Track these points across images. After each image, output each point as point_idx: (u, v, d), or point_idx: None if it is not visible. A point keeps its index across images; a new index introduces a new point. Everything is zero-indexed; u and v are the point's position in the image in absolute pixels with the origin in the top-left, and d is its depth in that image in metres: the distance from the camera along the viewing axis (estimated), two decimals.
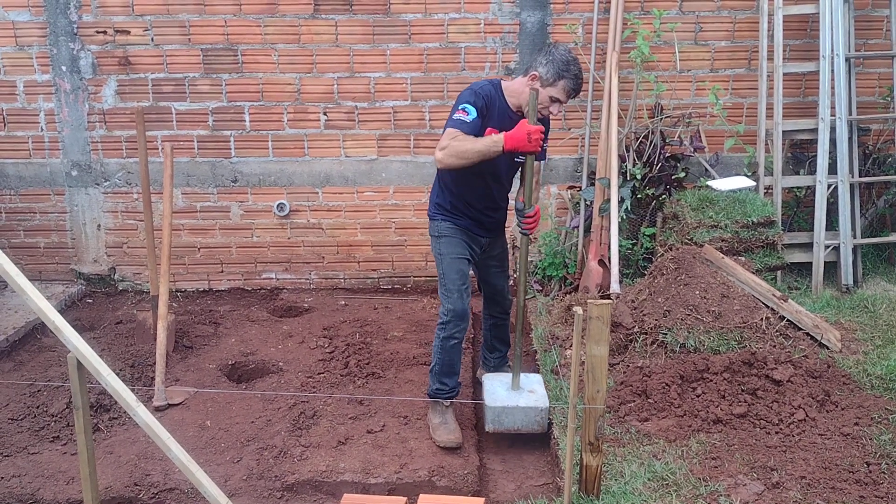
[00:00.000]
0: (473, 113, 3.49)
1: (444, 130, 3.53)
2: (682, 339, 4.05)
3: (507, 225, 4.06)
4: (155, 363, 4.26)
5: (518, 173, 3.79)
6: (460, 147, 3.42)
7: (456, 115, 3.50)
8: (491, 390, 3.80)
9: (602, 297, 4.76)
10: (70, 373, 2.51)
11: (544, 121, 3.73)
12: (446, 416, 3.78)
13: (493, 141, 3.41)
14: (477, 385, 4.38)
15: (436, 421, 3.79)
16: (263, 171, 5.69)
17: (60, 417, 3.92)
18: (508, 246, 4.22)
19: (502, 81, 3.72)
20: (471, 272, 3.90)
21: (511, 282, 4.34)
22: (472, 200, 3.76)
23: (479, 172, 3.62)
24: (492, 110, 3.57)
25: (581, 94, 5.42)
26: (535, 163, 3.61)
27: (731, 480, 3.14)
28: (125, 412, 3.63)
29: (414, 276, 5.86)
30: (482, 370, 4.37)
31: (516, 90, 3.62)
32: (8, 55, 5.50)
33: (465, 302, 3.68)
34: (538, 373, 4.19)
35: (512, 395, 3.75)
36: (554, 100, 3.57)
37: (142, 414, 2.57)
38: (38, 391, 4.13)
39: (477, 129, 3.50)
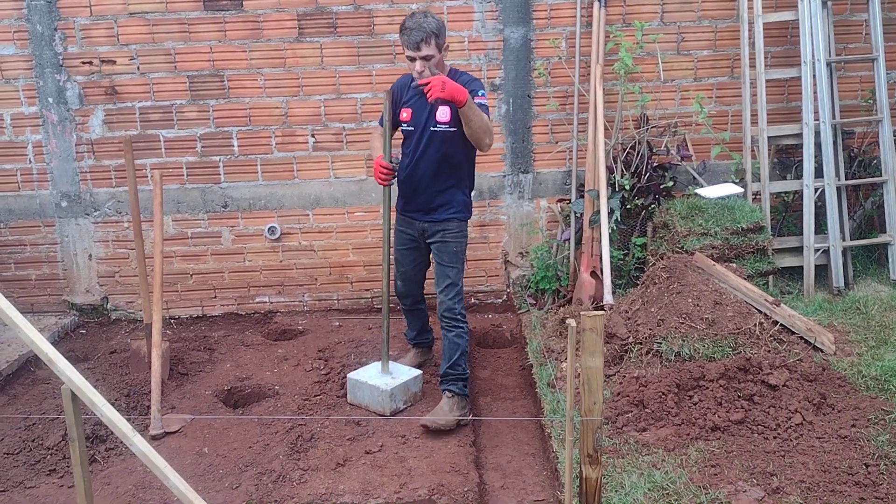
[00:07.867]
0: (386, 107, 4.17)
1: None
2: (677, 348, 4.06)
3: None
4: (150, 391, 4.25)
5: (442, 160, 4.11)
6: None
7: None
8: (365, 369, 4.39)
9: (595, 309, 4.76)
10: (65, 404, 2.50)
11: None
12: (408, 353, 4.75)
13: (373, 148, 4.35)
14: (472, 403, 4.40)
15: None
16: (253, 195, 5.69)
17: (56, 450, 3.88)
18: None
19: None
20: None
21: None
22: (400, 182, 4.24)
23: (403, 151, 4.23)
24: (403, 96, 4.16)
25: (567, 107, 5.52)
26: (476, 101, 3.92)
27: (732, 487, 3.14)
28: (122, 442, 3.61)
29: None
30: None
31: None
32: None
33: (398, 286, 4.49)
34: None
35: (374, 375, 4.27)
36: (410, 59, 3.93)
37: (138, 443, 2.56)
38: (33, 424, 4.10)
39: (389, 119, 4.17)
